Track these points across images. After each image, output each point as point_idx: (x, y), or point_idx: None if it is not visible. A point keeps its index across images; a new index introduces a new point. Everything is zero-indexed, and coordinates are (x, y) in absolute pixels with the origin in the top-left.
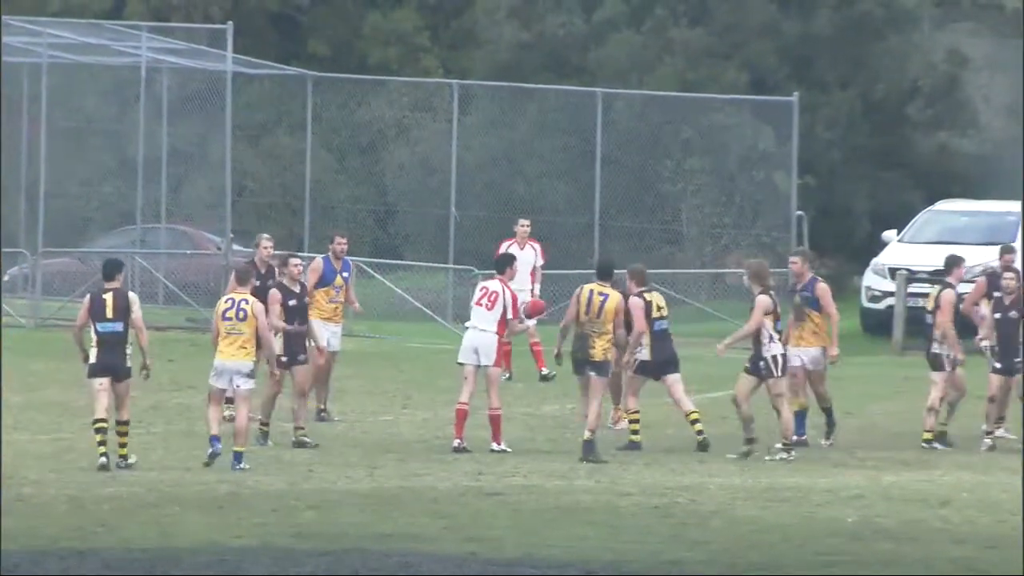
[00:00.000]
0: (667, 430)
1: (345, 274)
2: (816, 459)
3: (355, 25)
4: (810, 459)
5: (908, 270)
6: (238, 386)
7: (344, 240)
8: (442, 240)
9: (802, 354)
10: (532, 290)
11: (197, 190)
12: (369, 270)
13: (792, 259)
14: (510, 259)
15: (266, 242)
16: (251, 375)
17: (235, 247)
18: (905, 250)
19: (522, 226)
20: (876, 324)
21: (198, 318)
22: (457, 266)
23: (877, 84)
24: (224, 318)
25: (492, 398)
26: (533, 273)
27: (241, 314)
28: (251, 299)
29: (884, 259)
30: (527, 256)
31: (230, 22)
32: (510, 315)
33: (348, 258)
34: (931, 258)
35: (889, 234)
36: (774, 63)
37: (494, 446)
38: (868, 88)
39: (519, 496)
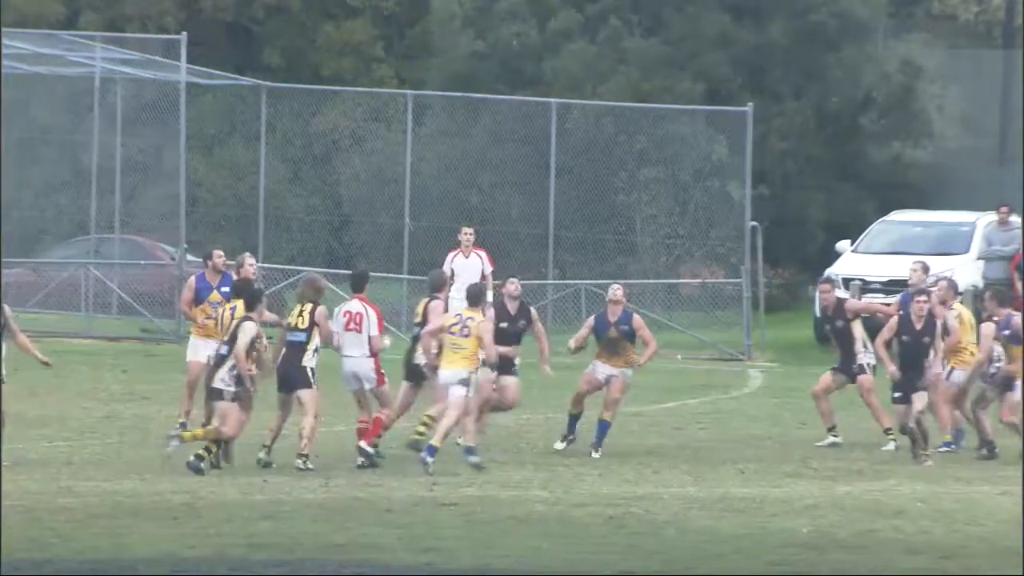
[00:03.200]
0: (624, 439)
1: (224, 289)
2: (769, 469)
3: (309, 36)
4: (762, 469)
5: (862, 280)
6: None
7: (222, 254)
8: (396, 250)
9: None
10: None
11: (151, 200)
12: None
13: (614, 292)
14: (365, 276)
15: (249, 259)
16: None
17: (189, 257)
18: (859, 260)
19: (465, 234)
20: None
21: (152, 328)
22: (411, 276)
23: (831, 94)
24: None
25: (385, 410)
26: (483, 281)
27: None
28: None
29: (838, 269)
30: (473, 265)
31: (184, 33)
32: (374, 332)
33: (230, 273)
34: (885, 268)
35: (843, 244)
36: (728, 73)
37: (362, 444)
38: (822, 98)
39: (473, 506)
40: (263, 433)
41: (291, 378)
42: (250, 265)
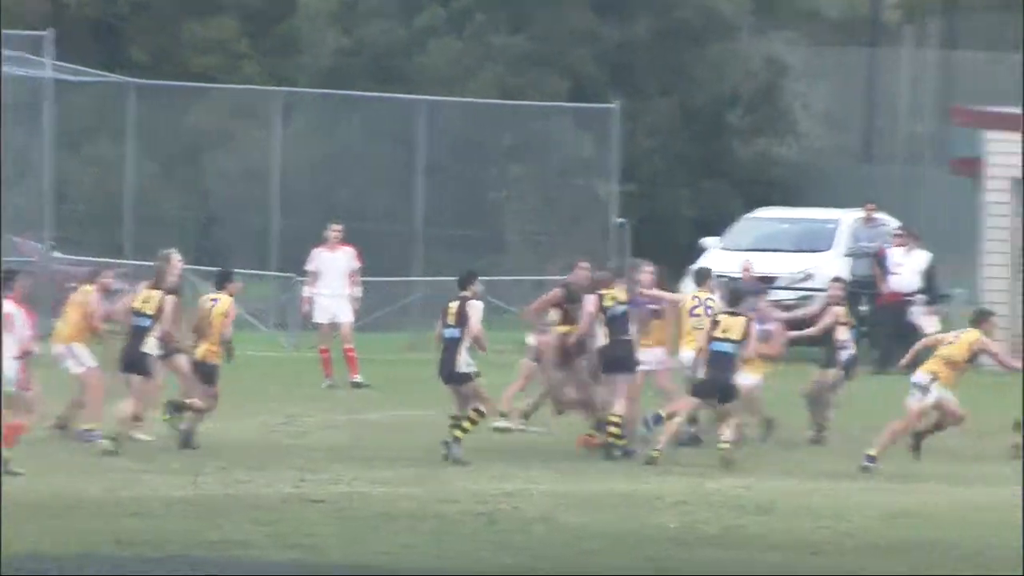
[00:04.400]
0: (494, 436)
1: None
2: (637, 465)
3: (175, 32)
4: (630, 465)
5: (727, 277)
6: None
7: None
8: (265, 248)
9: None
10: (351, 294)
11: (17, 198)
12: (192, 278)
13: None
14: (13, 275)
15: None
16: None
17: (55, 255)
18: (723, 257)
19: (334, 231)
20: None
21: None
22: (280, 274)
23: (697, 92)
24: None
25: (25, 417)
26: (351, 277)
27: None
28: None
29: (703, 265)
30: (340, 261)
31: (50, 28)
32: (28, 332)
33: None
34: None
35: (708, 241)
36: (594, 70)
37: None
38: (688, 96)
39: (343, 503)
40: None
41: (132, 362)
42: (178, 261)
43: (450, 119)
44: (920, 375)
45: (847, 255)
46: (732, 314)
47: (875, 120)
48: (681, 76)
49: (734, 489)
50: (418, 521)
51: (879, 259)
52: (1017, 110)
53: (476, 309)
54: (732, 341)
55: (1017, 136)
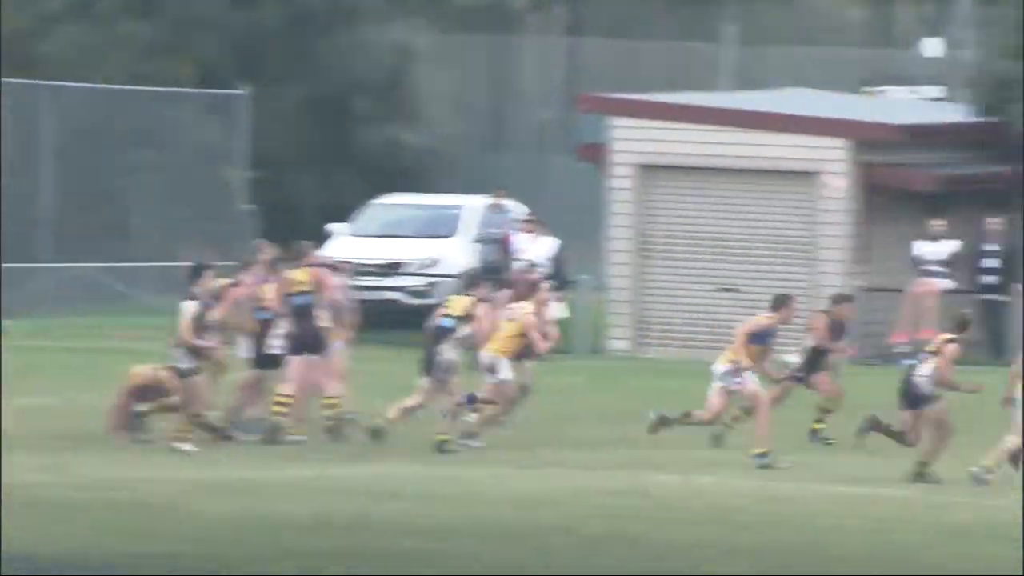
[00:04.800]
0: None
1: None
2: (268, 452)
3: None
4: (262, 452)
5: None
6: None
7: None
8: None
9: None
10: None
11: None
12: None
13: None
14: None
15: None
16: None
17: None
18: (350, 243)
19: None
20: None
21: None
22: None
23: (325, 78)
24: None
25: None
26: None
27: None
28: None
29: (330, 252)
30: None
31: None
32: None
33: None
34: (375, 251)
35: (334, 227)
36: (222, 57)
37: None
38: (317, 82)
39: None
40: None
41: None
42: None
43: (75, 105)
44: (720, 365)
45: (475, 241)
46: (467, 295)
47: (502, 107)
48: (309, 63)
49: (363, 477)
50: (45, 508)
51: (505, 245)
52: (641, 96)
53: (184, 309)
54: (451, 317)
55: (642, 122)
